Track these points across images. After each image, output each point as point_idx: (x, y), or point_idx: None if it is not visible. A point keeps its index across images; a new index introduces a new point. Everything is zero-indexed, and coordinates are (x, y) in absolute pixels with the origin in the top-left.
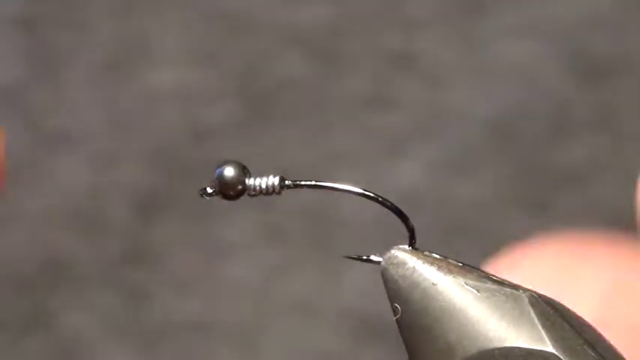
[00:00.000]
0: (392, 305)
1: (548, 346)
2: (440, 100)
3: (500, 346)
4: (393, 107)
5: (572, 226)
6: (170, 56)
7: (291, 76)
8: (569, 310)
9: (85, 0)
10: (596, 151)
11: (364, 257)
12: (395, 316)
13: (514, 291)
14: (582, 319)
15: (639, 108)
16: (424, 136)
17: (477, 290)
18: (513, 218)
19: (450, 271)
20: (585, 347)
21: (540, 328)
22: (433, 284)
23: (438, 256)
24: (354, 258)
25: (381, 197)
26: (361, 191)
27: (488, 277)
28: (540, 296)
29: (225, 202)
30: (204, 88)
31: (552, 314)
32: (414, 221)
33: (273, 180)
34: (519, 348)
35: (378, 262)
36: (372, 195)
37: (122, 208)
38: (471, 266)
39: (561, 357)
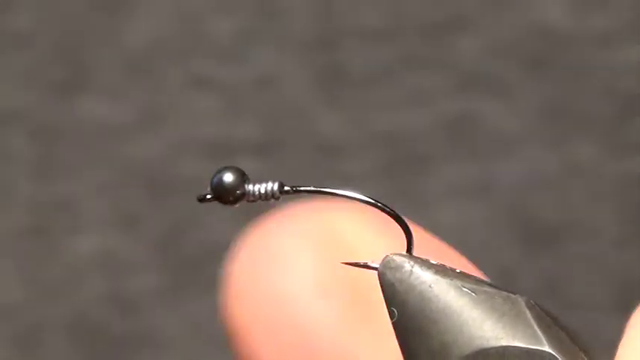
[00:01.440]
0: (388, 309)
1: (545, 346)
2: None
3: (496, 345)
4: None
5: None
6: (90, 221)
7: (218, 240)
8: (562, 319)
9: (1, 162)
10: None
11: (362, 263)
12: (392, 320)
13: (511, 294)
14: (576, 330)
15: (586, 276)
16: None
17: (474, 293)
18: None
19: (446, 275)
20: (580, 353)
21: (537, 328)
22: (430, 287)
23: (434, 262)
24: (351, 264)
25: (381, 203)
26: (361, 197)
27: (485, 282)
28: (536, 303)
29: None
30: (128, 254)
31: (548, 319)
32: None
33: (273, 185)
34: (515, 347)
35: (375, 269)
36: (371, 201)
37: None
38: (467, 273)
39: (557, 356)
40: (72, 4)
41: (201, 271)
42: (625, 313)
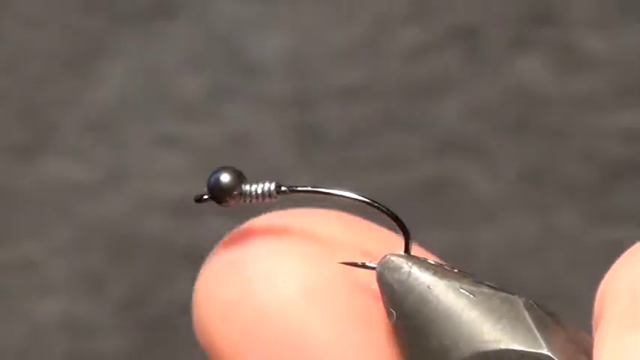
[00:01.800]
0: (387, 310)
1: (543, 349)
2: None
3: (495, 348)
4: None
5: None
6: (53, 283)
7: (184, 299)
8: (563, 318)
9: None
10: None
11: (360, 263)
12: (391, 320)
13: (510, 295)
14: (577, 329)
15: None
16: None
17: (473, 294)
18: None
19: (445, 276)
20: (579, 354)
21: (535, 330)
22: (428, 287)
23: (433, 262)
24: (349, 264)
25: (378, 203)
26: (359, 197)
27: (483, 283)
28: (535, 303)
29: None
30: (92, 316)
31: (547, 319)
32: None
33: (269, 186)
34: (514, 350)
35: (374, 268)
36: (369, 201)
37: None
38: (466, 272)
39: (556, 359)
40: (35, 65)
41: (169, 331)
42: None
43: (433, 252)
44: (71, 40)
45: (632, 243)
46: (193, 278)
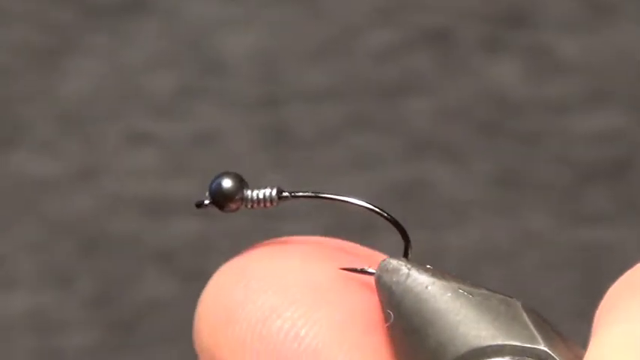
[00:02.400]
0: (384, 312)
1: (541, 344)
2: None
3: (492, 343)
4: None
5: None
6: (21, 279)
7: (152, 298)
8: (558, 329)
9: None
10: None
11: (359, 269)
12: (387, 322)
13: (507, 297)
14: (572, 340)
15: None
16: None
17: (471, 295)
18: None
19: (443, 277)
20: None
21: (533, 328)
22: (426, 288)
23: (431, 267)
24: (348, 270)
25: (379, 208)
26: (360, 202)
27: (481, 286)
28: (533, 310)
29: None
30: (59, 312)
31: (545, 323)
32: None
33: (271, 191)
34: (512, 345)
35: (373, 274)
36: (369, 206)
37: None
38: (463, 277)
39: (553, 355)
40: (4, 58)
41: (136, 329)
42: None
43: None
44: (42, 34)
45: (604, 244)
46: (162, 276)
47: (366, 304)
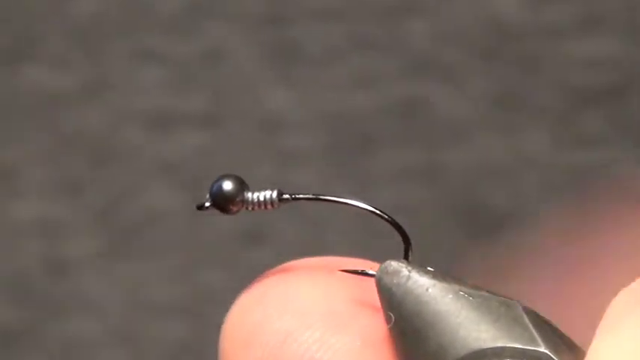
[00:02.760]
0: (385, 314)
1: (541, 347)
2: (319, 240)
3: (493, 345)
4: (267, 243)
5: None
6: (30, 188)
7: (157, 208)
8: (559, 330)
9: None
10: None
11: (359, 271)
12: (387, 325)
13: (508, 300)
14: (574, 341)
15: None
16: None
17: (471, 297)
18: None
19: (444, 280)
20: None
21: (533, 330)
22: (427, 290)
23: (432, 269)
24: (349, 271)
25: (380, 211)
26: (361, 205)
27: (482, 288)
28: (534, 311)
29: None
30: (66, 220)
31: (545, 325)
32: None
33: (272, 193)
34: (512, 347)
35: (373, 275)
36: (370, 209)
37: None
38: (464, 280)
39: (554, 357)
40: None
41: (140, 238)
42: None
43: (401, 170)
44: None
45: (598, 166)
46: (166, 188)
47: (381, 329)
